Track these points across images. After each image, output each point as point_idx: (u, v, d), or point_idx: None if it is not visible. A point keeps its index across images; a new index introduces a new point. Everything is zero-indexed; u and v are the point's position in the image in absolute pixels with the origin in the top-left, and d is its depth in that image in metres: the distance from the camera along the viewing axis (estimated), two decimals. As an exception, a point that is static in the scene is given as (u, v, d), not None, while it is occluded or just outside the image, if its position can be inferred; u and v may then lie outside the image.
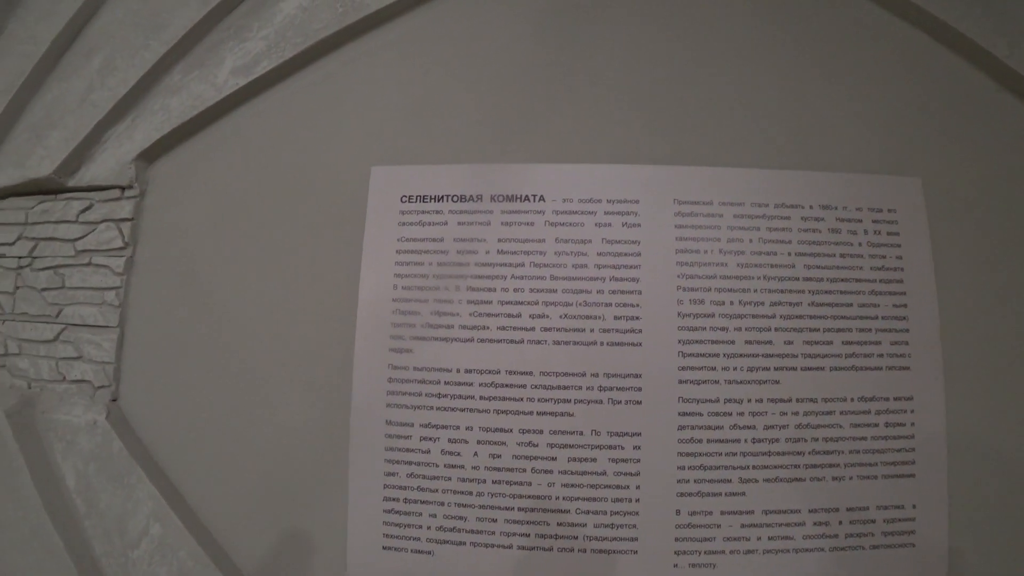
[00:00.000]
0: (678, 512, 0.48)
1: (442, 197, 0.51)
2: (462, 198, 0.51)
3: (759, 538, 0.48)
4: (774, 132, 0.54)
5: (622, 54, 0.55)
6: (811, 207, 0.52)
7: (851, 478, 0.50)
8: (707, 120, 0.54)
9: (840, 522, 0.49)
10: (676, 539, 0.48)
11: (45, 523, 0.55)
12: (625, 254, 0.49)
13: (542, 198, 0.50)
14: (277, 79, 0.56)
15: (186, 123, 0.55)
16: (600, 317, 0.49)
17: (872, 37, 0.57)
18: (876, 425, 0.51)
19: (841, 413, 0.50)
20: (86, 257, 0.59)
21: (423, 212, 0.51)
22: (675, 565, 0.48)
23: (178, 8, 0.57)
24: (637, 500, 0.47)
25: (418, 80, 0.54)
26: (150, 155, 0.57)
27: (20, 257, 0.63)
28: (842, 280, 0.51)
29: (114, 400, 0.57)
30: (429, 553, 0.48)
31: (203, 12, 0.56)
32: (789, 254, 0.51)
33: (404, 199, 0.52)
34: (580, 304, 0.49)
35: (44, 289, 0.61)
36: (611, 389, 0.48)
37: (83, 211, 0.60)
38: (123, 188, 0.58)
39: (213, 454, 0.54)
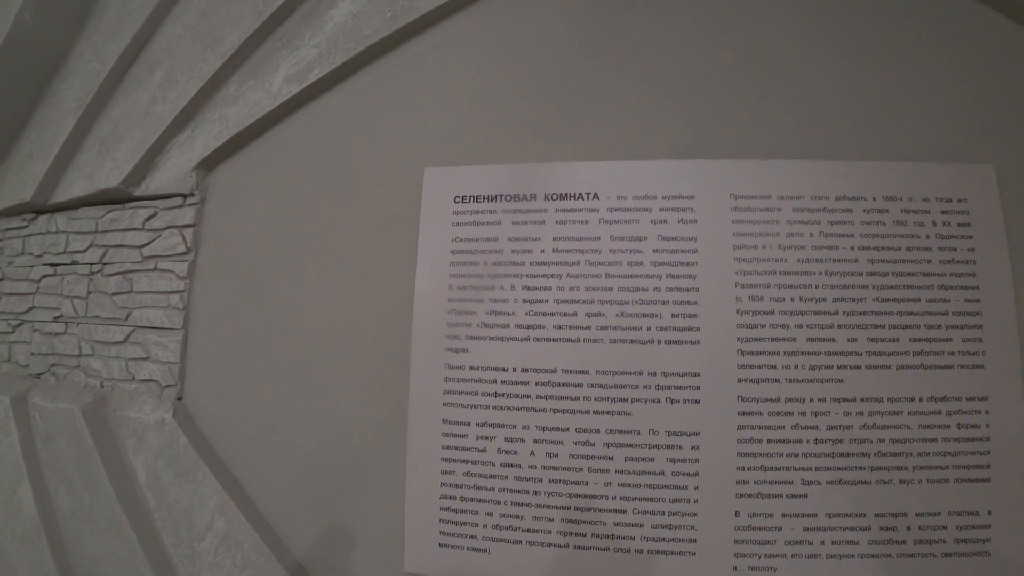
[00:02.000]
0: (737, 514, 0.47)
1: (495, 197, 0.52)
2: (515, 197, 0.51)
3: (822, 542, 0.47)
4: (833, 120, 0.52)
5: (671, 47, 0.54)
6: (874, 199, 0.50)
7: (920, 481, 0.48)
8: (762, 110, 0.52)
9: (909, 528, 0.47)
10: (735, 541, 0.47)
11: (119, 515, 0.59)
12: (681, 251, 0.49)
13: (596, 196, 0.50)
14: (329, 85, 0.57)
15: (243, 131, 0.57)
16: (657, 315, 0.48)
17: (937, 15, 0.54)
18: (948, 427, 0.48)
19: (909, 414, 0.48)
20: (152, 263, 0.63)
21: (477, 212, 0.52)
22: (734, 568, 0.47)
23: (233, 21, 0.60)
24: (696, 501, 0.47)
25: (467, 81, 0.55)
26: (209, 163, 0.60)
27: (92, 264, 0.67)
28: (909, 274, 0.49)
29: (179, 399, 0.60)
30: (485, 551, 0.49)
31: (256, 24, 0.58)
32: (852, 248, 0.49)
33: (457, 199, 0.52)
34: (636, 302, 0.48)
35: (114, 294, 0.64)
36: (669, 388, 0.47)
37: (148, 219, 0.63)
38: (185, 196, 0.62)
39: (274, 451, 0.56)
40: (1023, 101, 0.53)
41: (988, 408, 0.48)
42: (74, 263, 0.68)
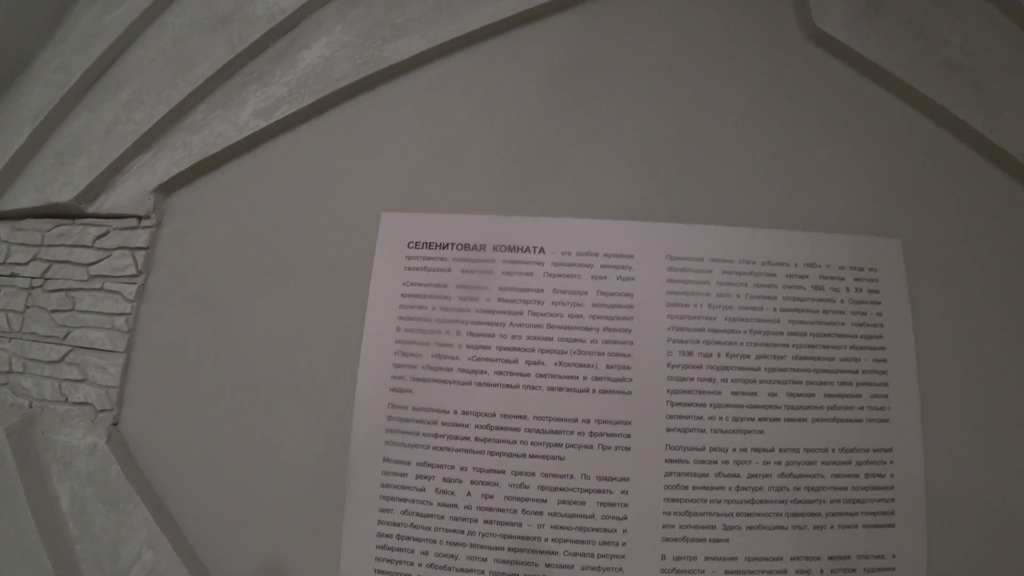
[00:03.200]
0: (663, 557, 0.49)
1: (447, 245, 0.54)
2: (466, 247, 0.54)
3: (743, 585, 0.50)
4: (762, 192, 0.58)
5: (623, 117, 0.59)
6: (796, 264, 0.55)
7: (832, 527, 0.52)
8: (702, 179, 0.57)
9: (822, 571, 0.51)
10: (661, 584, 0.49)
11: (36, 544, 0.56)
12: (619, 306, 0.52)
13: (542, 250, 0.53)
14: (296, 123, 0.59)
15: (206, 159, 0.58)
16: (593, 365, 0.51)
17: (860, 106, 0.62)
18: (857, 476, 0.52)
19: (823, 463, 0.52)
20: (99, 282, 0.61)
21: (428, 258, 0.54)
22: (660, 610, 0.49)
23: (206, 50, 0.61)
24: (624, 544, 0.49)
25: (429, 132, 0.58)
26: (169, 188, 0.60)
27: (33, 277, 0.64)
28: (825, 335, 0.54)
29: (115, 424, 0.58)
30: (419, 590, 0.50)
31: (230, 56, 0.59)
32: (775, 309, 0.53)
33: (411, 245, 0.54)
34: (574, 352, 0.51)
35: (54, 311, 0.62)
36: (601, 435, 0.50)
37: (99, 237, 0.62)
38: (140, 218, 0.61)
39: (211, 483, 0.54)
40: (928, 183, 0.60)
41: (892, 459, 0.53)
42: (13, 275, 0.65)
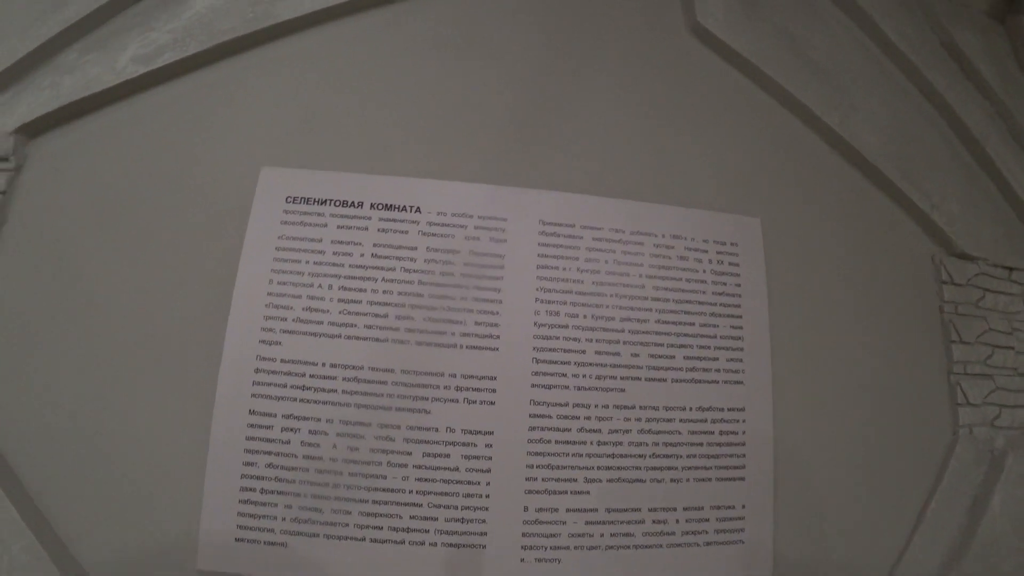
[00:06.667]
0: (526, 509, 0.51)
1: (325, 201, 0.54)
2: (344, 203, 0.54)
3: (602, 535, 0.53)
4: (637, 168, 0.62)
5: (507, 85, 0.61)
6: (663, 235, 0.59)
7: (688, 480, 0.56)
8: (579, 152, 0.61)
9: (677, 520, 0.55)
10: (523, 535, 0.51)
11: None
12: (490, 266, 0.54)
13: (418, 209, 0.55)
14: (178, 73, 0.57)
15: (76, 102, 0.55)
16: (461, 322, 0.53)
17: (731, 97, 0.67)
18: (712, 433, 0.57)
19: (680, 421, 0.56)
20: (-55, 227, 0.56)
21: (305, 213, 0.54)
22: (522, 560, 0.51)
23: None
24: (487, 496, 0.51)
25: (314, 92, 0.58)
26: (32, 130, 0.55)
27: None
28: (686, 302, 0.58)
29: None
30: (283, 545, 0.49)
31: None
32: (640, 276, 0.57)
33: (289, 199, 0.54)
34: (444, 308, 0.53)
35: None
36: (467, 389, 0.52)
37: None
38: None
39: (64, 445, 0.51)
40: (788, 171, 0.66)
41: (745, 418, 0.58)
42: None
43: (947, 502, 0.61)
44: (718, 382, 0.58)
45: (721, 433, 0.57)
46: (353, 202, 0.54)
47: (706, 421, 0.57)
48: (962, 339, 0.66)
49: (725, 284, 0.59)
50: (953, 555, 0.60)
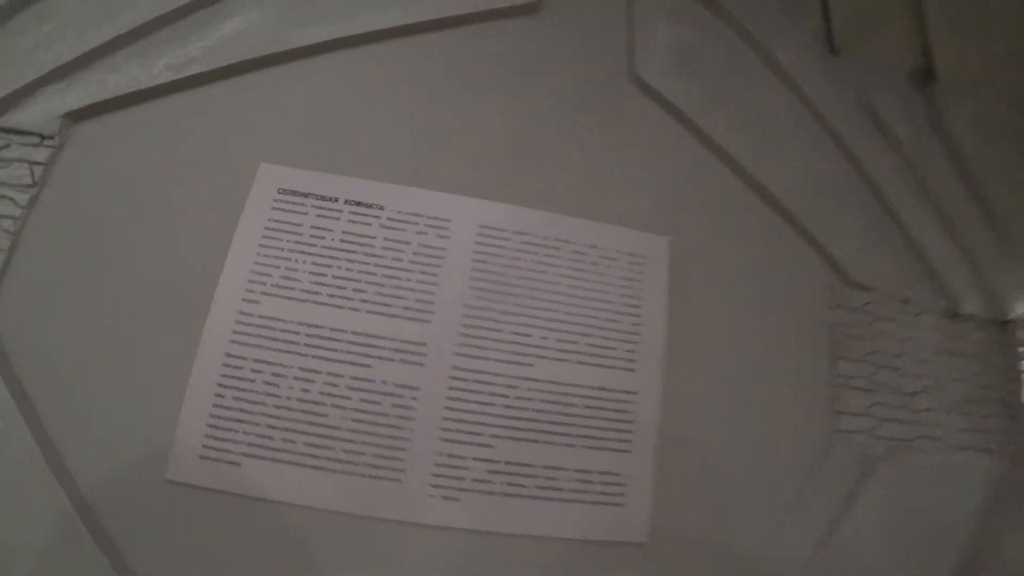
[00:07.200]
0: (439, 453, 0.63)
1: (308, 194, 0.69)
2: (323, 197, 0.69)
3: (500, 483, 0.64)
4: (568, 188, 0.76)
5: (474, 117, 0.76)
6: (581, 244, 0.73)
7: (580, 447, 0.67)
8: (519, 172, 0.75)
9: (567, 479, 0.66)
10: (433, 475, 0.63)
11: None
12: (433, 256, 0.68)
13: (382, 207, 0.69)
14: (202, 82, 0.72)
15: (118, 97, 0.69)
16: (404, 298, 0.66)
17: (660, 136, 0.82)
18: (605, 409, 0.69)
19: (578, 396, 0.68)
20: (-5, 185, 0.68)
21: (292, 203, 0.68)
22: (430, 495, 0.62)
23: (132, 5, 0.71)
24: (408, 440, 0.63)
25: (313, 108, 0.73)
26: (78, 116, 0.69)
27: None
28: (595, 300, 0.71)
29: (-11, 313, 0.66)
30: (238, 464, 0.60)
31: (153, 15, 0.70)
32: (557, 274, 0.71)
33: (280, 191, 0.69)
34: (392, 286, 0.66)
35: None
36: (403, 352, 0.65)
37: (1, 148, 0.68)
38: (44, 137, 0.68)
39: (71, 374, 0.62)
40: (699, 201, 0.79)
41: (636, 400, 0.70)
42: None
43: (821, 495, 0.71)
44: (615, 368, 0.70)
45: (615, 411, 0.69)
46: (330, 197, 0.69)
47: (601, 399, 0.69)
48: (849, 356, 0.77)
49: (630, 288, 0.73)
50: (821, 541, 0.69)
